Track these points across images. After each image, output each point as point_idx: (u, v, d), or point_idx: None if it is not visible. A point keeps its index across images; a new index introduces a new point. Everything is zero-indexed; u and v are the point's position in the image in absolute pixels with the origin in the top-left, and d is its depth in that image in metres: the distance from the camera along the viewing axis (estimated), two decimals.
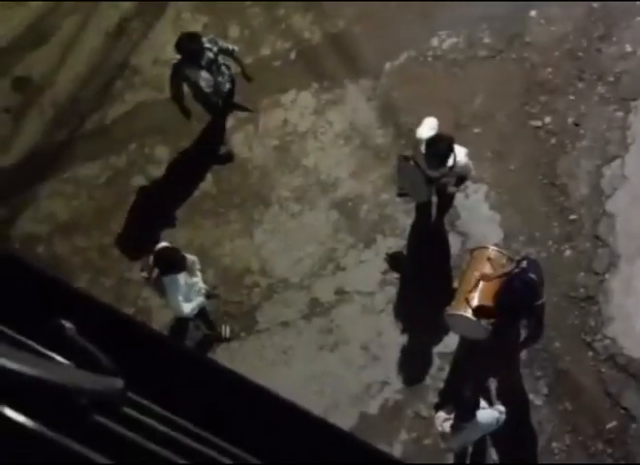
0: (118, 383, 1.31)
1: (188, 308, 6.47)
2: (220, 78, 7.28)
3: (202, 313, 6.86)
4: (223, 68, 7.32)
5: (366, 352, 7.23)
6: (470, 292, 6.59)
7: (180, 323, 7.22)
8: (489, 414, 6.04)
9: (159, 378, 1.55)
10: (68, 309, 1.53)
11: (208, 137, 7.89)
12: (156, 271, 6.34)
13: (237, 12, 8.47)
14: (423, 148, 6.43)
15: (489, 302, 6.42)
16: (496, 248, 6.84)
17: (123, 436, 1.21)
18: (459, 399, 5.97)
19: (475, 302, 6.50)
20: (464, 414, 5.88)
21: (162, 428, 1.32)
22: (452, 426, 5.99)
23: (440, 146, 6.38)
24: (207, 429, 1.45)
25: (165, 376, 1.62)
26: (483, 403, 6.04)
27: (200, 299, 6.59)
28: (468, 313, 6.48)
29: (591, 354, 6.98)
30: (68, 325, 1.42)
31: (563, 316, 7.13)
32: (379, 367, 7.14)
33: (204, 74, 7.17)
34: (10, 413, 1.03)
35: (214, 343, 7.28)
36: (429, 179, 6.74)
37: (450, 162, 6.44)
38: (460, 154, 6.52)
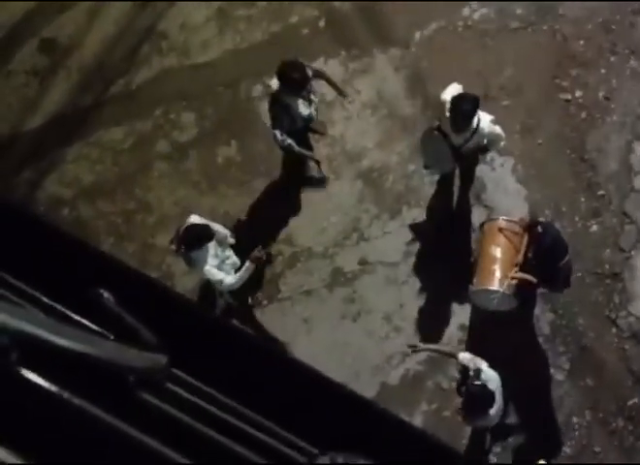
0: (163, 359, 1.27)
1: (229, 280, 6.40)
2: (313, 107, 7.09)
3: None
4: (312, 95, 7.08)
5: (388, 322, 7.22)
6: (491, 264, 6.57)
7: (204, 289, 7.24)
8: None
9: (188, 347, 1.51)
10: (104, 279, 1.50)
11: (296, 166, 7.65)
12: (183, 249, 6.37)
13: None
14: (447, 110, 6.38)
15: (510, 270, 6.45)
16: (505, 217, 6.81)
17: (168, 414, 1.18)
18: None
19: (498, 274, 6.49)
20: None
21: (201, 403, 1.29)
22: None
23: (465, 105, 6.32)
24: (235, 397, 1.42)
25: (195, 345, 1.59)
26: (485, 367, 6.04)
27: (239, 274, 6.45)
28: (494, 286, 6.46)
29: (614, 330, 6.94)
30: (106, 294, 1.39)
31: (588, 292, 7.08)
32: (401, 338, 7.13)
33: (302, 103, 6.93)
34: (57, 389, 0.99)
35: (236, 310, 7.29)
36: (453, 148, 6.68)
37: (474, 123, 6.38)
38: (484, 119, 6.47)
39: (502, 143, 6.85)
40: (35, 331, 0.98)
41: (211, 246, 6.40)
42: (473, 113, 6.35)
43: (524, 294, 6.65)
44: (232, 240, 6.74)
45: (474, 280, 6.64)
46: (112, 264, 1.76)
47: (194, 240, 6.31)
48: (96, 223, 7.64)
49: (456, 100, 6.34)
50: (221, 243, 6.57)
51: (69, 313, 1.31)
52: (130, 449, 1.04)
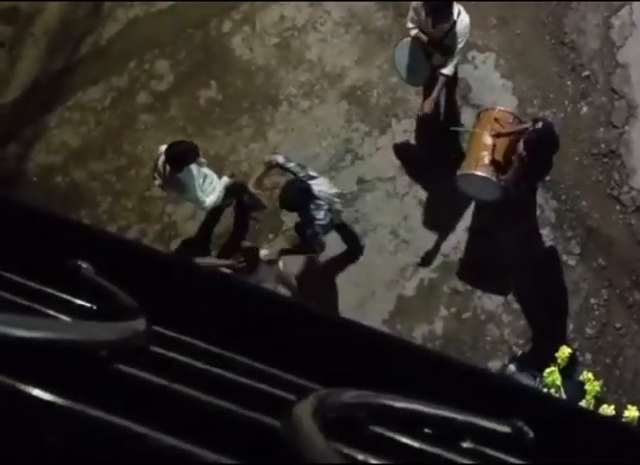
0: (140, 325, 1.22)
1: (210, 201, 6.66)
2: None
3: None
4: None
5: (395, 237, 7.23)
6: (480, 150, 6.54)
7: (206, 231, 7.28)
8: None
9: (177, 303, 1.46)
10: (78, 248, 1.45)
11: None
12: (169, 170, 6.38)
13: None
14: (421, 8, 6.30)
15: (500, 159, 6.42)
16: (501, 108, 6.76)
17: (154, 383, 1.10)
18: None
19: (486, 160, 6.46)
20: None
21: (194, 362, 1.22)
22: None
23: None
24: (227, 346, 1.35)
25: (181, 299, 1.54)
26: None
27: (218, 192, 6.73)
28: (479, 171, 6.44)
29: (618, 207, 6.94)
30: (84, 265, 1.35)
31: (587, 173, 7.06)
32: (410, 250, 7.16)
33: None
34: (24, 387, 0.93)
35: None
36: (428, 54, 6.59)
37: (454, 15, 6.28)
38: (465, 15, 6.37)
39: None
40: None
41: (193, 166, 6.48)
42: (451, 3, 6.26)
43: (520, 185, 6.61)
44: (204, 161, 6.81)
45: (462, 164, 6.62)
46: (83, 231, 1.70)
47: (177, 156, 6.33)
48: (90, 185, 7.63)
49: None
50: (198, 162, 6.63)
51: (46, 289, 1.28)
52: (113, 437, 0.98)
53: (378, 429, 1.07)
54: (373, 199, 7.38)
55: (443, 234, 7.13)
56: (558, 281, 6.84)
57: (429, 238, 7.16)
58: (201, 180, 6.60)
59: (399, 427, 1.07)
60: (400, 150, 7.41)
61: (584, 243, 6.89)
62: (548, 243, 6.96)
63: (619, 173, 6.96)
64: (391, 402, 1.08)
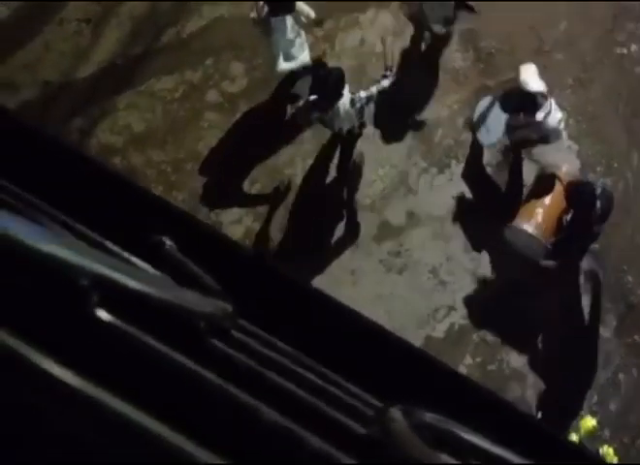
0: (228, 306, 1.26)
1: (285, 66, 6.85)
2: None
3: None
4: None
5: (434, 276, 7.23)
6: (536, 207, 6.55)
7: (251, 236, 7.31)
8: None
9: (248, 297, 1.50)
10: (165, 227, 1.48)
11: None
12: (266, 9, 6.57)
13: None
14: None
15: (554, 219, 6.43)
16: (567, 167, 6.77)
17: (240, 361, 1.16)
18: None
19: (540, 218, 6.47)
20: None
21: (267, 351, 1.28)
22: None
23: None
24: (296, 346, 1.41)
25: (254, 295, 1.57)
26: None
27: (302, 57, 6.90)
28: (528, 227, 6.44)
29: None
30: (168, 242, 1.37)
31: (637, 250, 7.03)
32: (447, 292, 7.15)
33: None
34: (138, 333, 0.99)
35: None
36: (509, 127, 6.62)
37: (540, 115, 6.31)
38: (555, 115, 6.37)
39: (561, 139, 6.73)
40: (114, 275, 0.99)
41: (289, 20, 6.62)
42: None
43: (568, 248, 6.61)
44: (311, 14, 6.92)
45: (515, 217, 6.66)
46: (174, 213, 1.74)
47: (277, 2, 6.54)
48: (146, 171, 7.70)
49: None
50: (297, 21, 6.78)
51: (133, 259, 1.32)
52: (208, 394, 1.04)
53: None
54: (419, 235, 7.39)
55: (483, 283, 7.12)
56: (589, 350, 6.80)
57: (467, 284, 7.15)
58: (292, 36, 6.75)
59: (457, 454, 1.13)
60: (455, 192, 7.42)
61: (622, 318, 6.85)
62: (586, 310, 6.92)
63: None
64: (460, 433, 1.12)
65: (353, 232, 7.40)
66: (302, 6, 6.92)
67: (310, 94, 6.58)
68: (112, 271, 0.97)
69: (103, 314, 0.94)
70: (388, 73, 6.80)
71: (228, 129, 7.78)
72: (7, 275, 0.91)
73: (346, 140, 7.48)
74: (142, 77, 7.97)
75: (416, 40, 7.86)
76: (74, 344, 0.92)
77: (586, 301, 6.97)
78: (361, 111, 6.81)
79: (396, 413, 1.10)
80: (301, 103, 6.83)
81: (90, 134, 7.80)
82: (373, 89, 6.76)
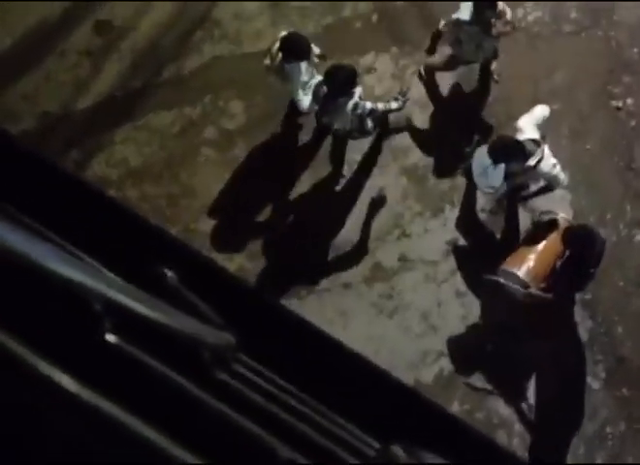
0: (230, 337, 1.27)
1: (307, 101, 6.76)
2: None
3: None
4: None
5: (424, 320, 7.22)
6: (529, 252, 6.58)
7: (244, 275, 7.29)
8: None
9: (247, 331, 1.51)
10: (163, 257, 1.49)
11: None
12: (280, 56, 6.59)
13: None
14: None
15: (546, 265, 6.45)
16: (563, 215, 6.80)
17: (242, 393, 1.18)
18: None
19: (532, 263, 6.49)
20: None
21: (267, 386, 1.30)
22: None
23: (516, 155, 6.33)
24: (293, 382, 1.42)
25: (253, 329, 1.58)
26: None
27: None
28: (521, 272, 6.45)
29: None
30: (170, 273, 1.38)
31: (628, 301, 7.04)
32: (437, 337, 7.13)
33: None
34: (148, 359, 1.01)
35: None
36: (506, 172, 6.63)
37: (533, 162, 6.34)
38: (547, 161, 6.40)
39: (562, 184, 6.78)
40: (126, 301, 1.00)
41: (303, 63, 6.65)
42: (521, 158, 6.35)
43: (561, 298, 6.62)
44: (317, 51, 6.97)
45: (507, 260, 6.67)
46: (175, 245, 1.77)
47: (293, 49, 6.58)
48: (141, 205, 7.68)
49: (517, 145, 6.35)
50: (311, 63, 6.82)
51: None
52: (215, 422, 1.05)
53: None
54: (411, 278, 7.39)
55: (473, 328, 7.11)
56: (577, 401, 6.78)
57: (458, 329, 7.14)
58: (306, 78, 6.76)
59: None
60: (449, 237, 7.43)
61: (611, 370, 6.84)
62: (575, 361, 6.91)
63: None
64: None
65: (345, 273, 7.40)
66: (314, 48, 7.01)
67: (323, 85, 6.74)
68: (125, 297, 0.99)
69: (113, 338, 0.96)
70: (400, 97, 6.87)
71: (224, 165, 7.80)
72: (26, 294, 0.94)
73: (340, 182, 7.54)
74: (140, 112, 8.00)
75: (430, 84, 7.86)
76: (87, 362, 0.94)
77: (576, 350, 6.96)
78: (360, 120, 6.86)
79: (398, 450, 1.13)
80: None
81: (86, 166, 7.81)
82: (380, 105, 6.87)
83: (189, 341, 1.14)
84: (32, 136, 7.75)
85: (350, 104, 6.69)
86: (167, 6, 8.29)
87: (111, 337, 0.97)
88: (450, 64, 7.48)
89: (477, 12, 6.81)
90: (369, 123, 6.97)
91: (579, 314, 7.01)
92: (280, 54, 6.70)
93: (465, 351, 7.06)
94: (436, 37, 7.29)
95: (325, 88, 6.76)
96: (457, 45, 7.18)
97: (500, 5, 6.90)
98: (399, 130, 7.62)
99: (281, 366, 1.48)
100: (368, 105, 6.78)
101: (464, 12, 6.88)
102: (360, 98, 6.76)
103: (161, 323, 1.05)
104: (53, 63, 8.14)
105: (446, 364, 7.09)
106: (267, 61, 6.91)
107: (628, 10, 7.88)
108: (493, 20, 6.87)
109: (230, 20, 8.32)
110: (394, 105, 6.87)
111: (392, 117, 7.51)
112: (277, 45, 6.75)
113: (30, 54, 8.12)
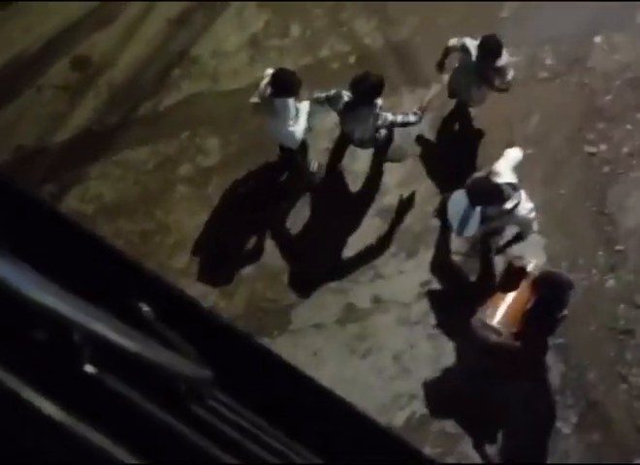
0: (207, 372, 1.29)
1: (300, 129, 6.87)
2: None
3: (303, 145, 7.29)
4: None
5: (397, 362, 7.20)
6: (501, 299, 6.61)
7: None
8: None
9: (220, 366, 1.52)
10: (139, 291, 1.50)
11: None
12: (269, 91, 6.64)
13: (300, 11, 8.47)
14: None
15: (517, 312, 6.48)
16: (534, 262, 6.84)
17: (216, 427, 1.19)
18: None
19: (504, 310, 6.52)
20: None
21: (238, 419, 1.31)
22: None
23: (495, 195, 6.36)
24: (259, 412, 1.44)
25: (225, 364, 1.59)
26: None
27: (303, 120, 6.94)
28: (493, 320, 6.48)
29: (625, 387, 6.91)
30: (145, 308, 1.39)
31: (600, 346, 7.06)
32: (410, 379, 7.11)
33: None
34: (127, 390, 1.02)
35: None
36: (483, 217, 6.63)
37: (509, 204, 6.37)
38: (524, 205, 6.43)
39: (532, 232, 6.81)
40: (104, 331, 1.02)
41: (291, 100, 6.76)
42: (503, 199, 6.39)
43: (535, 345, 6.64)
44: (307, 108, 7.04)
45: (481, 307, 6.69)
46: (151, 279, 1.77)
47: (282, 84, 6.63)
48: (114, 241, 7.65)
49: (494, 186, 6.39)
50: (300, 99, 6.95)
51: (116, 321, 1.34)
52: (189, 452, 1.08)
53: None
54: (384, 320, 7.37)
55: (445, 372, 7.09)
56: (547, 446, 6.76)
57: (430, 372, 7.12)
58: (294, 112, 6.83)
59: None
60: (423, 278, 7.43)
61: (583, 415, 6.84)
62: (547, 406, 6.90)
63: (631, 354, 6.96)
64: None
65: (318, 314, 7.38)
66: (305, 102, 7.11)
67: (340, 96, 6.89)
68: (103, 327, 1.00)
69: (91, 368, 0.97)
70: (418, 112, 6.92)
71: (199, 202, 7.79)
72: (6, 322, 0.96)
73: (316, 221, 7.55)
74: (116, 147, 7.99)
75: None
76: (69, 390, 0.95)
77: (548, 395, 6.95)
78: (376, 130, 6.98)
79: None
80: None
81: (60, 200, 7.77)
82: (399, 117, 6.92)
83: (166, 373, 1.14)
84: (6, 169, 7.71)
85: (372, 114, 6.80)
86: (146, 42, 8.32)
87: (89, 368, 0.98)
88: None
89: (480, 61, 6.86)
90: (382, 134, 7.05)
91: (552, 358, 7.01)
92: (269, 90, 6.73)
93: (437, 394, 7.03)
94: (446, 54, 7.35)
95: (345, 98, 6.82)
96: (455, 72, 7.27)
97: (504, 60, 6.92)
98: (394, 159, 7.63)
99: (254, 401, 1.49)
100: (390, 117, 6.84)
101: (472, 47, 6.96)
102: (380, 109, 6.83)
103: (139, 354, 1.06)
104: (30, 98, 8.13)
105: (418, 407, 7.05)
106: (254, 99, 6.95)
107: (602, 57, 8.01)
108: (493, 76, 6.94)
109: (208, 58, 8.36)
110: (412, 118, 6.93)
111: (395, 146, 7.47)
112: (266, 80, 6.80)
113: (7, 88, 8.10)
